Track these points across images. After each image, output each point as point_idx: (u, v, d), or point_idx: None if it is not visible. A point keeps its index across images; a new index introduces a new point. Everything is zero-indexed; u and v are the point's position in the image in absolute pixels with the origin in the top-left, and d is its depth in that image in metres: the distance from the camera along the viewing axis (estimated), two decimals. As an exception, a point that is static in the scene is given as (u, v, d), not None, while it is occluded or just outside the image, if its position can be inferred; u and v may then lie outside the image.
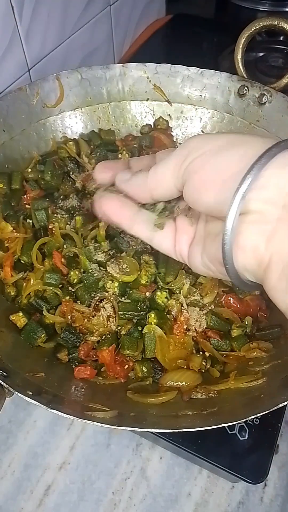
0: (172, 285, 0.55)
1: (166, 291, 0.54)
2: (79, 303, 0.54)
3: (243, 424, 0.52)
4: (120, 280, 0.54)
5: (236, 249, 0.29)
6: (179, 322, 0.52)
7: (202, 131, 0.74)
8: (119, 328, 0.53)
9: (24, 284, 0.56)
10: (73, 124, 0.73)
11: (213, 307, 0.55)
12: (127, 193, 0.38)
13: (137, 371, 0.51)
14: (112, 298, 0.54)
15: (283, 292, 0.27)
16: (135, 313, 0.54)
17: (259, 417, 0.52)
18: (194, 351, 0.53)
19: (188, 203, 0.33)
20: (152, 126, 0.76)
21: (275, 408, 0.41)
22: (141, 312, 0.54)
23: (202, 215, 0.35)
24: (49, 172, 0.65)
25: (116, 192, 0.39)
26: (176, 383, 0.49)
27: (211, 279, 0.55)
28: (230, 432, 0.52)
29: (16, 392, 0.41)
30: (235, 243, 0.28)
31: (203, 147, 0.31)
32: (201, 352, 0.53)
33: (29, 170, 0.67)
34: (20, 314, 0.54)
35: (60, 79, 0.69)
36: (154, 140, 0.73)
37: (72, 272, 0.56)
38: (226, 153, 0.30)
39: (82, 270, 0.56)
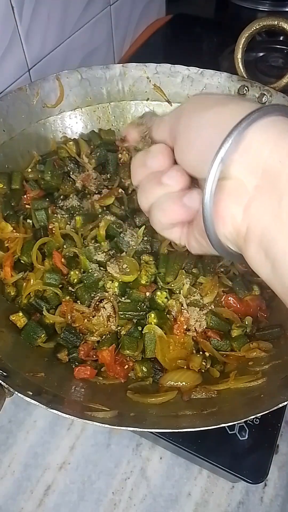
0: (172, 285, 0.55)
1: (166, 291, 0.54)
2: (79, 303, 0.54)
3: (243, 424, 0.52)
4: (120, 280, 0.54)
5: (216, 218, 0.28)
6: (179, 322, 0.52)
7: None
8: (119, 328, 0.53)
9: (24, 284, 0.56)
10: (73, 124, 0.73)
11: (213, 307, 0.55)
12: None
13: (137, 371, 0.51)
14: (112, 298, 0.54)
15: (261, 265, 0.27)
16: (135, 313, 0.54)
17: (259, 417, 0.52)
18: (194, 351, 0.53)
19: (178, 163, 0.33)
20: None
21: (275, 408, 0.41)
22: (141, 312, 0.54)
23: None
24: (49, 172, 0.65)
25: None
26: (176, 383, 0.49)
27: (211, 279, 0.56)
28: (230, 432, 0.52)
29: (16, 392, 0.41)
30: (215, 212, 0.28)
31: (193, 107, 0.31)
32: (201, 352, 0.53)
33: (29, 170, 0.67)
34: (20, 314, 0.54)
35: (60, 79, 0.69)
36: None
37: (72, 272, 0.56)
38: (212, 113, 0.29)
39: (82, 270, 0.56)
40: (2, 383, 0.41)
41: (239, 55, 0.69)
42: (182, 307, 0.54)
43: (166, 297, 0.54)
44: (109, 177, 0.68)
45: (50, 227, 0.60)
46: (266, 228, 0.26)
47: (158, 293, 0.54)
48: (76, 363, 0.51)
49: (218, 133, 0.27)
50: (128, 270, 0.54)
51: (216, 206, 0.28)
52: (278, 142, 0.26)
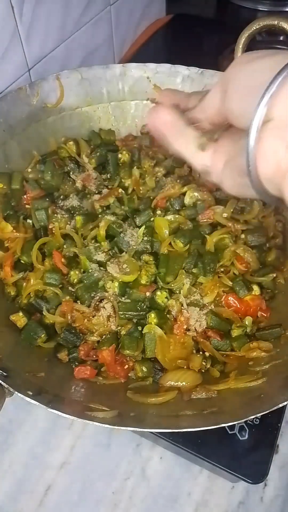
0: (172, 285, 0.55)
1: (166, 291, 0.54)
2: (79, 303, 0.54)
3: (243, 424, 0.52)
4: (120, 280, 0.54)
5: (258, 157, 0.29)
6: (179, 322, 0.52)
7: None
8: (119, 328, 0.53)
9: (24, 284, 0.56)
10: (73, 124, 0.73)
11: (213, 307, 0.55)
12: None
13: (137, 371, 0.51)
14: (112, 298, 0.54)
15: None
16: (135, 313, 0.54)
17: (259, 417, 0.52)
18: (194, 351, 0.53)
19: (226, 116, 0.34)
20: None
21: (275, 408, 0.41)
22: (141, 312, 0.54)
23: (238, 134, 0.36)
24: (49, 172, 0.65)
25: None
26: (176, 383, 0.49)
27: (211, 279, 0.56)
28: (230, 432, 0.52)
29: (17, 392, 0.41)
30: (258, 150, 0.29)
31: (242, 60, 0.33)
32: (201, 352, 0.53)
33: (29, 170, 0.67)
34: (20, 314, 0.54)
35: (60, 79, 0.69)
36: (154, 140, 0.73)
37: (72, 272, 0.56)
38: (259, 61, 0.31)
39: (82, 270, 0.56)
40: (3, 383, 0.41)
41: (239, 54, 0.68)
42: (182, 307, 0.54)
43: (166, 297, 0.54)
44: (109, 177, 0.68)
45: (50, 227, 0.60)
46: None
47: (158, 293, 0.54)
48: (76, 363, 0.52)
49: (265, 79, 0.29)
50: (128, 270, 0.54)
51: (259, 143, 0.29)
52: None
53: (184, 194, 0.63)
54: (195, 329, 0.53)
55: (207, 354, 0.52)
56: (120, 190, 0.65)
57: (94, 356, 0.52)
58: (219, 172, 0.37)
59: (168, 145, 0.40)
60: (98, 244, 0.58)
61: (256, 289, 0.56)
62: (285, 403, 0.41)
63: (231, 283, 0.56)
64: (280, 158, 0.29)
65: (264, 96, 0.28)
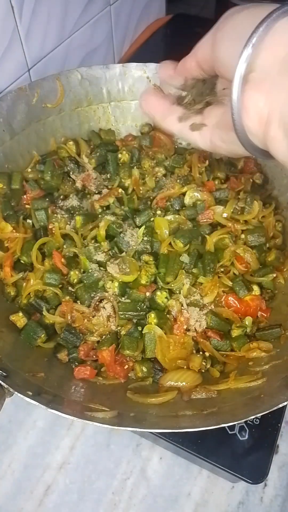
0: (172, 285, 0.55)
1: (166, 291, 0.54)
2: (79, 303, 0.54)
3: (243, 424, 0.52)
4: (120, 280, 0.54)
5: (242, 109, 0.30)
6: (179, 322, 0.52)
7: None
8: (119, 328, 0.53)
9: (24, 284, 0.56)
10: (73, 124, 0.73)
11: (213, 307, 0.55)
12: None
13: (137, 371, 0.51)
14: (112, 298, 0.54)
15: (280, 141, 0.29)
16: (135, 313, 0.54)
17: (259, 417, 0.52)
18: (194, 351, 0.53)
19: (214, 64, 0.35)
20: (152, 125, 0.76)
21: (275, 408, 0.41)
22: (141, 312, 0.54)
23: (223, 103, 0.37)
24: (49, 172, 0.65)
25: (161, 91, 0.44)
26: (176, 383, 0.49)
27: (211, 279, 0.56)
28: (230, 432, 0.52)
29: (16, 392, 0.41)
30: (241, 103, 0.30)
31: (233, 10, 0.34)
32: (201, 352, 0.53)
33: (29, 170, 0.67)
34: (20, 314, 0.54)
35: (60, 79, 0.69)
36: (154, 140, 0.73)
37: (72, 272, 0.56)
38: (246, 12, 0.32)
39: (82, 270, 0.56)
40: (2, 383, 0.41)
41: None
42: (182, 307, 0.54)
43: (166, 297, 0.54)
44: (109, 177, 0.68)
45: (50, 227, 0.60)
46: (284, 104, 0.28)
47: (158, 293, 0.54)
48: (76, 363, 0.52)
49: (248, 30, 0.29)
50: (128, 270, 0.54)
51: (242, 96, 0.30)
52: None
53: (184, 194, 0.63)
54: (195, 329, 0.53)
55: (207, 354, 0.52)
56: (120, 190, 0.65)
57: (94, 356, 0.52)
58: (207, 137, 0.38)
59: (159, 124, 0.43)
60: (98, 244, 0.58)
61: (256, 289, 0.56)
62: (285, 403, 0.41)
63: (231, 283, 0.56)
64: (261, 109, 0.29)
65: (245, 47, 0.28)
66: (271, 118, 0.29)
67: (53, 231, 0.60)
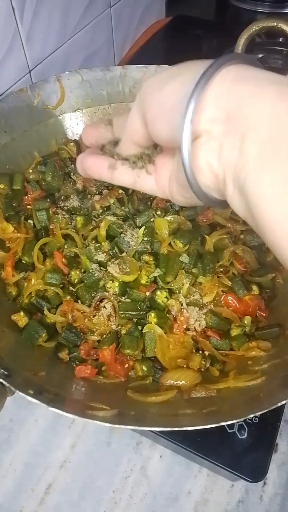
0: (172, 285, 0.55)
1: (166, 291, 0.55)
2: (80, 303, 0.55)
3: (243, 422, 0.53)
4: (120, 280, 0.55)
5: (196, 172, 0.30)
6: (178, 322, 0.53)
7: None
8: (119, 327, 0.54)
9: (25, 284, 0.57)
10: (74, 125, 0.73)
11: (212, 306, 0.55)
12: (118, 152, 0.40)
13: (137, 370, 0.51)
14: (112, 297, 0.54)
15: (237, 201, 0.29)
16: (135, 313, 0.54)
17: (258, 416, 0.53)
18: (194, 350, 0.53)
19: (152, 138, 0.35)
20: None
21: (274, 407, 0.41)
22: (141, 312, 0.54)
23: (171, 152, 0.37)
24: (50, 173, 0.65)
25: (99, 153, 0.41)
26: (176, 382, 0.49)
27: (210, 279, 0.56)
28: (229, 431, 0.52)
29: (18, 391, 0.41)
30: (194, 167, 0.30)
31: (152, 85, 0.33)
32: (200, 351, 0.53)
33: (30, 171, 0.68)
34: (21, 313, 0.54)
35: (61, 80, 0.70)
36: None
37: (73, 272, 0.57)
38: (169, 83, 0.31)
39: (82, 270, 0.57)
40: (4, 382, 0.42)
41: (238, 56, 0.69)
42: (182, 307, 0.54)
43: (166, 297, 0.54)
44: (109, 177, 0.69)
45: (51, 227, 0.61)
46: (236, 165, 0.28)
47: (158, 293, 0.54)
48: (77, 362, 0.52)
49: (180, 99, 0.29)
50: (128, 270, 0.55)
51: (194, 161, 0.30)
52: (233, 87, 0.28)
53: (183, 194, 0.64)
54: (195, 329, 0.53)
55: (206, 353, 0.53)
56: (120, 191, 0.65)
57: (95, 355, 0.52)
58: (165, 189, 0.38)
59: (109, 181, 0.41)
60: (99, 244, 0.58)
61: (255, 289, 0.57)
62: (284, 402, 0.41)
63: (230, 283, 0.56)
64: (216, 169, 0.29)
65: (185, 119, 0.28)
66: (227, 179, 0.29)
67: (54, 232, 0.60)
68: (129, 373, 0.52)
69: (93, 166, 0.41)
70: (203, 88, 0.28)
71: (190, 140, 0.28)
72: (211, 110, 0.28)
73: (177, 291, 0.55)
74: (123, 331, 0.53)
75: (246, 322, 0.55)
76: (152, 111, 0.32)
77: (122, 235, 0.58)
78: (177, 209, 0.63)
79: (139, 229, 0.59)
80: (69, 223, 0.61)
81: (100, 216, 0.62)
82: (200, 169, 0.30)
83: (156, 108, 0.32)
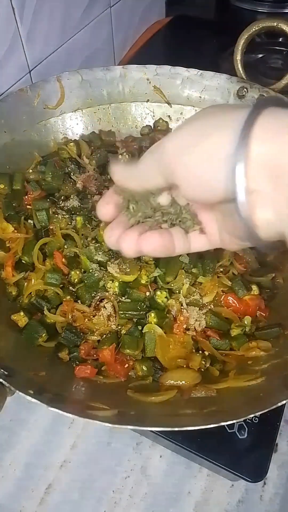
0: (172, 285, 0.55)
1: (166, 291, 0.55)
2: (80, 303, 0.55)
3: (243, 422, 0.53)
4: (120, 280, 0.55)
5: (256, 229, 0.30)
6: (179, 322, 0.53)
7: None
8: (119, 327, 0.54)
9: (25, 284, 0.57)
10: (73, 125, 0.73)
11: (212, 306, 0.55)
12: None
13: (138, 370, 0.51)
14: (112, 297, 0.54)
15: None
16: (135, 313, 0.54)
17: (258, 416, 0.53)
18: (194, 350, 0.53)
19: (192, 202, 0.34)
20: (152, 127, 0.76)
21: (274, 407, 0.41)
22: (141, 312, 0.54)
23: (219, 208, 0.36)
24: (50, 173, 0.65)
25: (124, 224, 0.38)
26: (176, 382, 0.49)
27: (210, 279, 0.56)
28: (229, 431, 0.52)
29: (18, 391, 0.41)
30: (253, 224, 0.30)
31: (178, 145, 0.31)
32: (200, 351, 0.53)
33: (30, 171, 0.68)
34: (21, 313, 0.54)
35: (61, 80, 0.70)
36: (154, 142, 0.74)
37: (73, 272, 0.57)
38: (202, 144, 0.30)
39: (82, 270, 0.57)
40: (4, 382, 0.42)
41: (238, 56, 0.69)
42: (182, 307, 0.54)
43: (166, 297, 0.54)
44: (109, 178, 0.69)
45: (51, 227, 0.61)
46: None
47: (158, 292, 0.54)
48: (77, 362, 0.52)
49: (223, 159, 0.28)
50: (128, 270, 0.55)
51: (252, 219, 0.30)
52: (275, 139, 0.27)
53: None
54: (195, 329, 0.53)
55: (206, 353, 0.53)
56: (120, 190, 0.65)
57: (95, 355, 0.52)
58: (217, 242, 0.37)
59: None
60: (99, 244, 0.58)
61: (255, 289, 0.57)
62: (284, 402, 0.41)
63: (230, 283, 0.56)
64: (273, 222, 0.30)
65: (236, 181, 0.28)
66: (286, 231, 0.29)
67: (54, 232, 0.60)
68: (129, 373, 0.52)
69: (156, 246, 0.36)
70: (246, 147, 0.27)
71: (247, 200, 0.28)
72: (259, 167, 0.28)
73: (177, 291, 0.55)
74: (123, 331, 0.53)
75: (246, 322, 0.55)
76: (186, 172, 0.31)
77: (122, 235, 0.58)
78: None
79: (139, 229, 0.59)
80: (69, 223, 0.61)
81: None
82: (258, 224, 0.30)
83: (192, 170, 0.30)
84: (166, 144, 0.32)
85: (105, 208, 0.39)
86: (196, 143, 0.30)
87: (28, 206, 0.64)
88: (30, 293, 0.56)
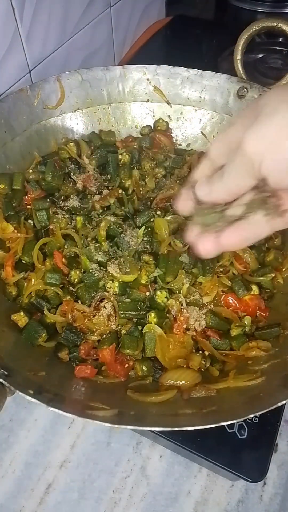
0: (172, 285, 0.55)
1: (166, 291, 0.55)
2: (80, 303, 0.55)
3: (242, 422, 0.53)
4: (120, 280, 0.55)
5: None
6: (178, 322, 0.53)
7: (202, 132, 0.75)
8: (119, 327, 0.54)
9: (25, 283, 0.57)
10: (73, 125, 0.73)
11: (212, 306, 0.55)
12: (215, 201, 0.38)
13: (137, 370, 0.51)
14: (112, 297, 0.54)
15: None
16: (135, 313, 0.54)
17: (258, 416, 0.53)
18: (194, 350, 0.53)
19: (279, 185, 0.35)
20: (152, 127, 0.76)
21: (274, 406, 0.41)
22: (141, 312, 0.54)
23: None
24: (50, 173, 0.65)
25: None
26: (175, 382, 0.49)
27: (210, 279, 0.56)
28: (229, 431, 0.52)
29: (17, 391, 0.41)
30: None
31: (263, 141, 0.32)
32: (200, 351, 0.53)
33: (30, 171, 0.68)
34: (21, 313, 0.54)
35: (61, 80, 0.70)
36: (154, 141, 0.74)
37: (72, 272, 0.57)
38: None
39: (82, 270, 0.57)
40: (4, 382, 0.42)
41: (238, 56, 0.69)
42: (182, 307, 0.54)
43: (166, 297, 0.54)
44: (109, 178, 0.69)
45: (51, 227, 0.61)
46: None
47: (158, 292, 0.54)
48: (77, 362, 0.52)
49: None
50: (128, 270, 0.55)
51: None
52: None
53: (183, 194, 0.64)
54: (195, 329, 0.53)
55: (206, 353, 0.53)
56: (120, 190, 0.65)
57: (95, 355, 0.52)
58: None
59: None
60: (99, 244, 0.58)
61: (255, 289, 0.57)
62: (284, 402, 0.41)
63: (230, 283, 0.56)
64: None
65: None
66: None
67: (54, 232, 0.60)
68: (129, 373, 0.52)
69: (240, 241, 0.38)
70: None
71: None
72: None
73: (177, 291, 0.55)
74: (123, 331, 0.53)
75: (246, 322, 0.55)
76: (278, 164, 0.32)
77: (122, 235, 0.58)
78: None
79: (139, 229, 0.60)
80: (69, 223, 0.61)
81: (100, 216, 0.62)
82: None
83: (282, 161, 0.32)
84: (248, 149, 0.33)
85: (184, 204, 0.41)
86: (284, 137, 0.31)
87: (28, 206, 0.64)
88: (30, 293, 0.56)
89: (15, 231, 0.60)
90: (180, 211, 0.42)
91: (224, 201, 0.38)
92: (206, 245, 0.39)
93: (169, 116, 0.75)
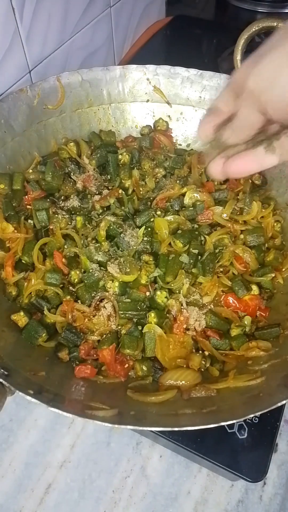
0: (172, 285, 0.55)
1: (166, 291, 0.55)
2: (80, 303, 0.55)
3: (242, 422, 0.53)
4: (120, 280, 0.55)
5: None
6: (178, 322, 0.53)
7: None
8: (119, 327, 0.54)
9: (25, 283, 0.57)
10: (73, 125, 0.73)
11: (212, 306, 0.55)
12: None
13: (137, 370, 0.51)
14: (112, 297, 0.54)
15: None
16: (135, 313, 0.54)
17: (258, 416, 0.53)
18: (194, 350, 0.53)
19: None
20: (152, 127, 0.76)
21: (274, 406, 0.41)
22: (141, 312, 0.54)
23: None
24: (50, 173, 0.65)
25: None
26: (175, 382, 0.49)
27: (210, 279, 0.56)
28: (229, 431, 0.52)
29: (17, 391, 0.41)
30: None
31: (262, 76, 0.34)
32: (200, 351, 0.53)
33: (30, 171, 0.68)
34: (21, 313, 0.54)
35: (61, 80, 0.70)
36: (154, 141, 0.74)
37: (72, 272, 0.57)
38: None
39: (82, 270, 0.57)
40: (4, 382, 0.42)
41: (238, 56, 0.69)
42: (182, 307, 0.54)
43: (166, 297, 0.54)
44: (109, 178, 0.69)
45: (51, 227, 0.61)
46: None
47: (158, 292, 0.54)
48: (77, 362, 0.52)
49: None
50: (128, 270, 0.55)
51: None
52: None
53: (183, 195, 0.64)
54: (195, 329, 0.53)
55: (206, 353, 0.53)
56: (120, 190, 0.65)
57: (95, 355, 0.52)
58: (286, 157, 0.40)
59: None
60: (99, 244, 0.58)
61: (255, 289, 0.57)
62: (284, 402, 0.41)
63: (230, 283, 0.56)
64: None
65: None
66: None
67: (54, 232, 0.60)
68: (129, 373, 0.52)
69: (243, 166, 0.42)
70: None
71: None
72: None
73: (177, 291, 0.55)
74: (123, 331, 0.53)
75: (246, 322, 0.55)
76: (277, 97, 0.34)
77: (122, 235, 0.58)
78: (177, 209, 0.63)
79: (139, 229, 0.60)
80: (69, 223, 0.61)
81: (100, 216, 0.62)
82: None
83: (281, 95, 0.34)
84: (252, 86, 0.35)
85: (206, 127, 0.43)
86: (280, 74, 0.33)
87: (28, 206, 0.64)
88: (30, 293, 0.56)
89: (15, 231, 0.60)
90: (200, 136, 0.44)
91: (242, 141, 0.41)
92: (216, 167, 0.43)
93: (169, 116, 0.75)
